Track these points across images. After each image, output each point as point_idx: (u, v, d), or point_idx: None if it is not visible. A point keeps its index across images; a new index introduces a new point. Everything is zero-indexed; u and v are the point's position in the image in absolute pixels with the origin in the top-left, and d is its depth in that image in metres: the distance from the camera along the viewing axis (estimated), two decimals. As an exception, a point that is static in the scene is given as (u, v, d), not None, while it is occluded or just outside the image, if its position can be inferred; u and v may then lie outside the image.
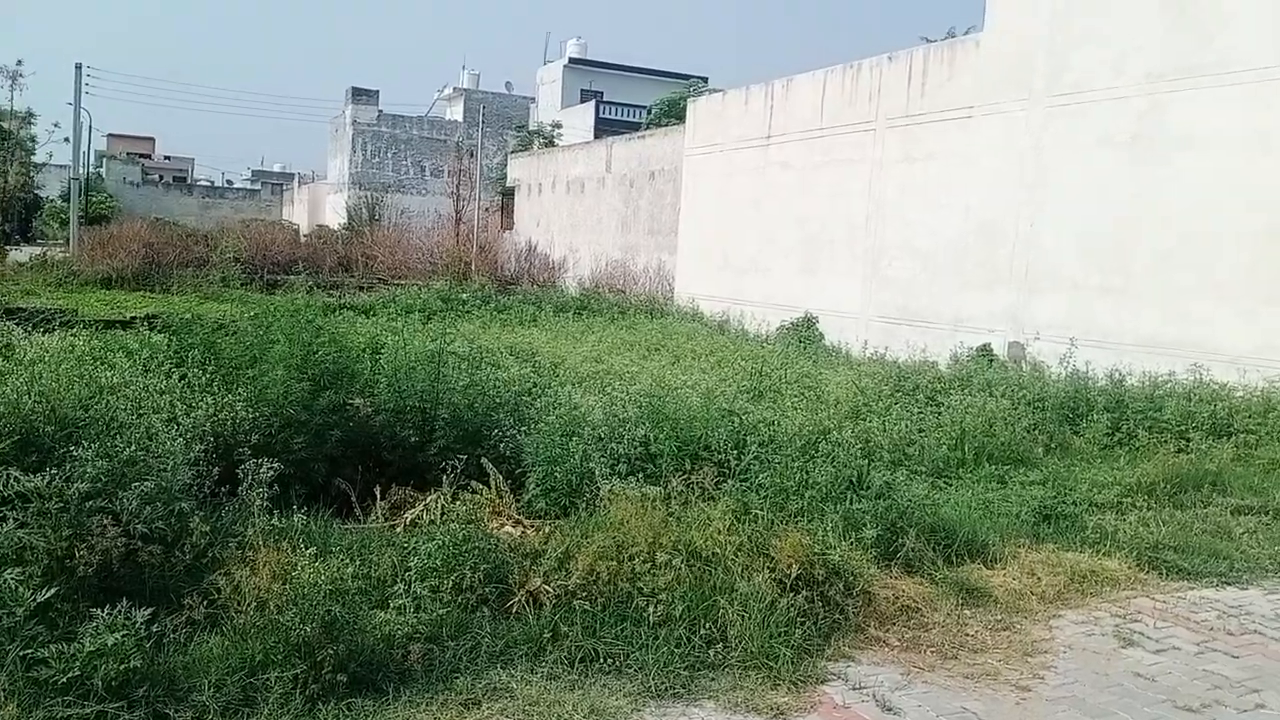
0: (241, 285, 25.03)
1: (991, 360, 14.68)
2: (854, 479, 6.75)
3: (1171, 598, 5.87)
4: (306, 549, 4.50)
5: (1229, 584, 6.18)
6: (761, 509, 5.78)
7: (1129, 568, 6.23)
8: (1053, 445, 9.68)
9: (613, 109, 48.62)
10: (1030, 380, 12.07)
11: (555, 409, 7.72)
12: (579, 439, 6.79)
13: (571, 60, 54.73)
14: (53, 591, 3.83)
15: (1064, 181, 15.07)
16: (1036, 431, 9.79)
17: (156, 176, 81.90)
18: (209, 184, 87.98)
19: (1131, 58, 14.12)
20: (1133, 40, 14.11)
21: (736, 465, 6.73)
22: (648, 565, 4.95)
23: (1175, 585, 6.09)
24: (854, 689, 4.43)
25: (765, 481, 6.31)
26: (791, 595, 4.92)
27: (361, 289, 25.45)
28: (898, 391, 11.19)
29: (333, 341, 8.01)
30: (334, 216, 52.48)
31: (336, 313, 17.78)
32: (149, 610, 3.90)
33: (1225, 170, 12.86)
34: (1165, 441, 9.67)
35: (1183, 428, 9.95)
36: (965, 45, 17.48)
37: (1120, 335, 13.82)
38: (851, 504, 6.19)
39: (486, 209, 39.57)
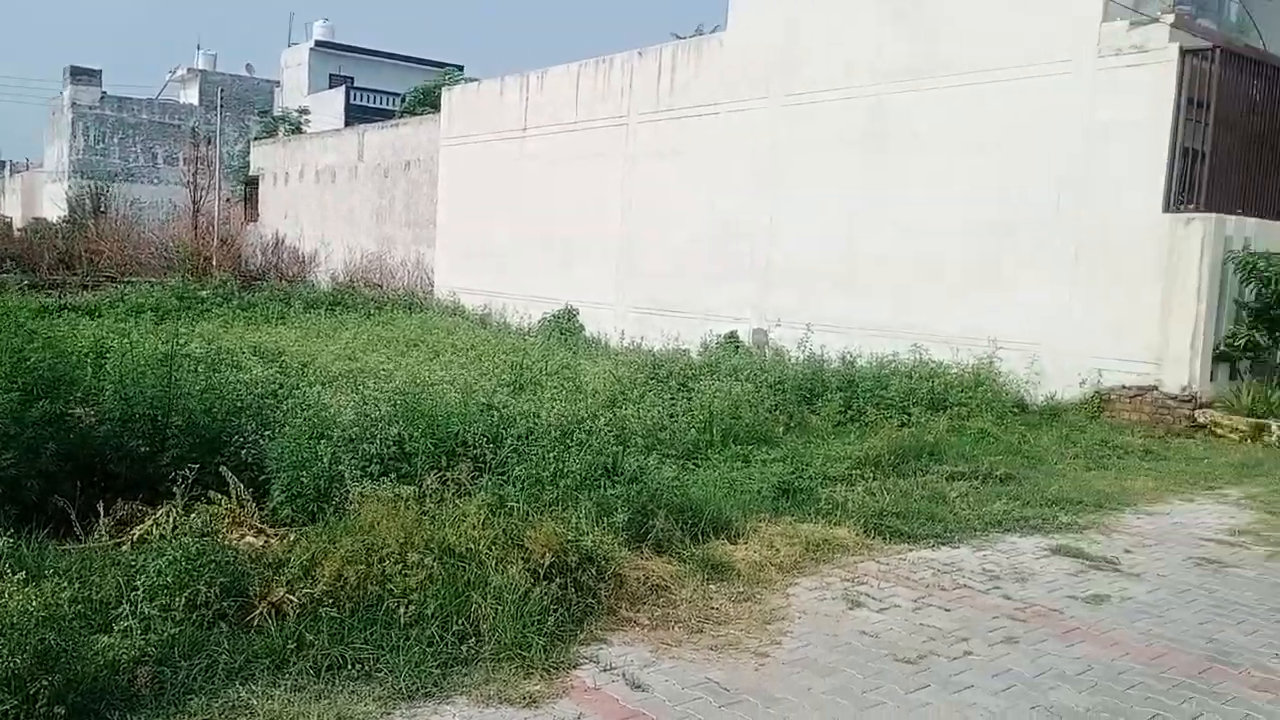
0: (-60, 285, 22.28)
1: (738, 347, 15.45)
2: (608, 465, 6.94)
3: (894, 560, 6.42)
4: (14, 574, 4.11)
5: (944, 544, 6.83)
6: (517, 501, 5.83)
7: (857, 535, 6.75)
8: (792, 424, 10.34)
9: (364, 95, 46.99)
10: (773, 365, 12.83)
11: (303, 411, 7.44)
12: (328, 441, 6.59)
13: (318, 43, 52.34)
14: None
15: (801, 178, 16.05)
16: (778, 412, 10.42)
17: None
18: (-104, 171, 77.58)
19: (859, 60, 15.21)
20: (860, 43, 15.19)
21: (493, 459, 6.75)
22: (399, 566, 4.88)
23: (898, 548, 6.66)
24: (605, 670, 4.56)
25: (521, 474, 6.37)
26: (545, 584, 4.99)
27: (86, 288, 23.34)
28: (652, 379, 11.56)
29: (48, 346, 7.32)
30: (53, 208, 47.67)
31: (56, 315, 16.24)
32: None
33: (939, 166, 14.13)
34: (890, 417, 10.54)
35: (905, 404, 10.90)
36: (711, 44, 18.21)
37: (851, 320, 14.90)
38: (605, 490, 6.36)
39: (228, 199, 37.27)
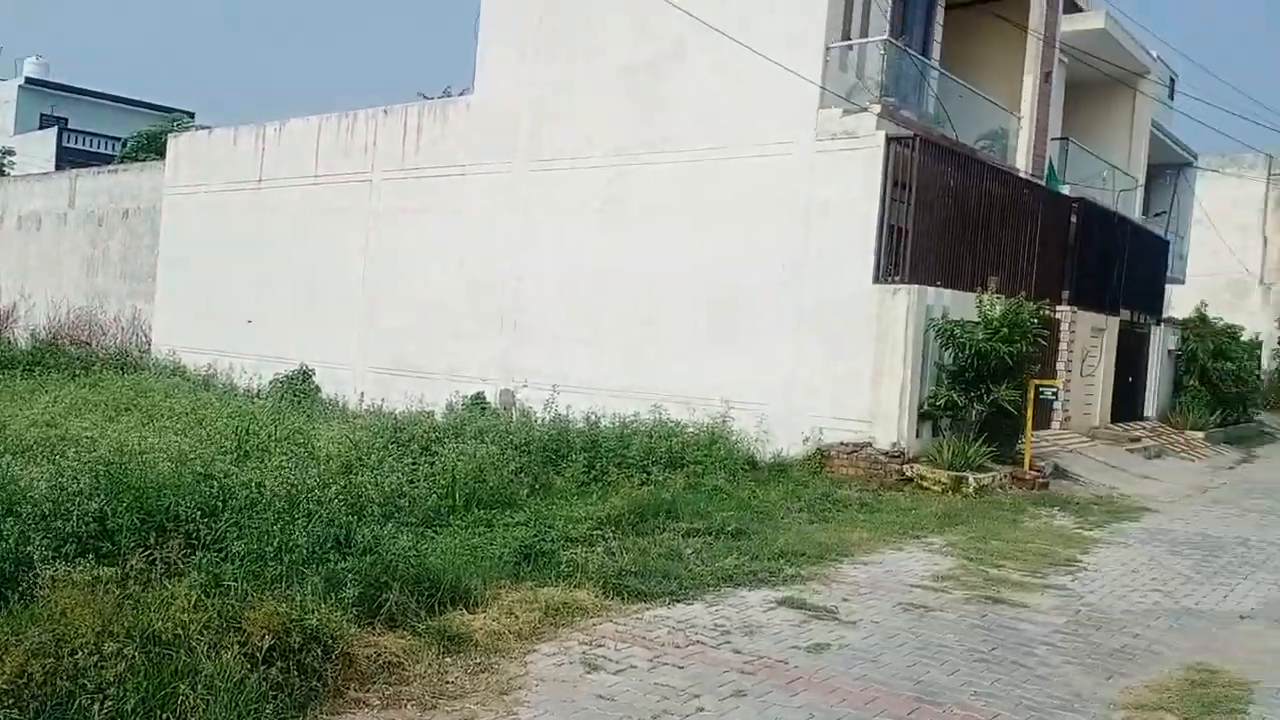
0: None
1: (484, 408, 15.33)
2: (340, 537, 6.64)
3: (631, 620, 6.50)
4: None
5: (679, 601, 7.00)
6: (235, 579, 5.44)
7: (597, 596, 6.79)
8: (537, 486, 10.33)
9: (80, 138, 43.51)
10: (519, 426, 12.81)
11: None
12: (15, 519, 5.89)
13: (29, 80, 48.00)
14: None
15: (547, 240, 16.31)
16: (523, 474, 10.39)
17: None
18: None
19: (600, 132, 15.74)
20: (601, 117, 15.75)
21: (209, 535, 6.28)
22: (94, 658, 4.40)
23: (635, 608, 6.76)
24: (330, 758, 4.31)
25: (241, 549, 5.96)
26: (264, 669, 4.66)
27: None
28: (392, 443, 11.22)
29: None
30: None
31: None
32: None
33: (675, 236, 14.81)
34: (631, 475, 10.80)
35: (645, 462, 11.20)
36: (458, 106, 18.26)
37: (595, 381, 15.20)
38: (336, 564, 6.06)
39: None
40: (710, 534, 8.83)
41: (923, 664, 6.04)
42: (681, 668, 5.72)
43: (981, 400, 12.84)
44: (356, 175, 19.45)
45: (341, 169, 19.73)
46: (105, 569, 5.38)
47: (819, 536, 9.32)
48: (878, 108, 13.49)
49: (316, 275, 19.82)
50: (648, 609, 6.78)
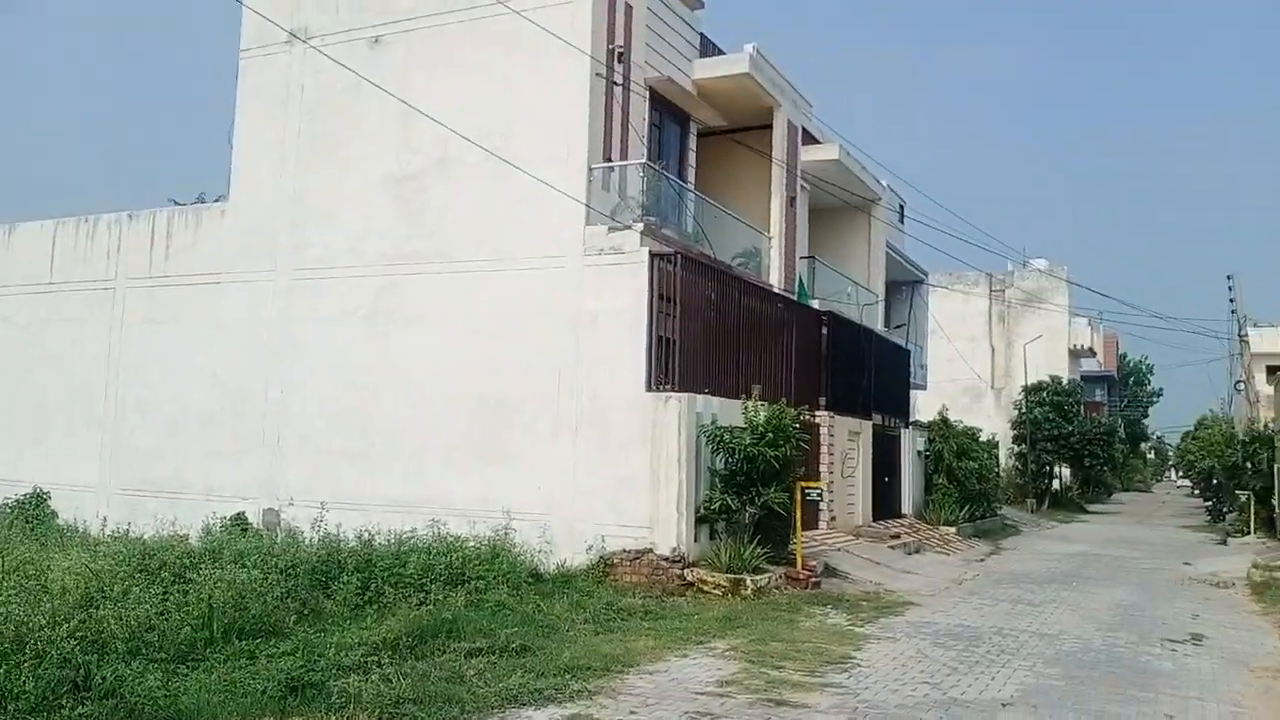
0: None
1: (245, 529, 14.32)
2: (77, 679, 5.90)
3: (411, 750, 6.10)
4: None
5: (461, 728, 6.65)
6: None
7: (372, 728, 6.35)
8: (305, 612, 9.65)
9: None
10: (284, 547, 11.96)
11: None
12: None
13: None
14: None
15: (310, 350, 15.69)
16: (289, 600, 9.69)
17: None
18: None
19: (367, 241, 15.48)
20: (367, 225, 15.50)
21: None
22: None
23: (415, 737, 6.35)
24: None
25: (-48, 703, 5.17)
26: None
27: None
28: (140, 571, 10.21)
29: None
30: None
31: None
32: None
33: (448, 346, 14.64)
34: (409, 595, 10.30)
35: (423, 580, 10.73)
36: (211, 212, 17.49)
37: (368, 496, 14.57)
38: (71, 710, 5.36)
39: None
40: (494, 652, 8.52)
41: (713, 771, 6.00)
42: (468, 798, 5.40)
43: (753, 503, 13.26)
44: (98, 282, 18.13)
45: (80, 275, 18.35)
46: None
47: (605, 648, 9.18)
48: (640, 225, 14.07)
49: (51, 389, 18.11)
50: (429, 738, 6.40)
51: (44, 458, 17.82)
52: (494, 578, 11.46)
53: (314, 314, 15.79)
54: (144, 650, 7.66)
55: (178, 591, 9.33)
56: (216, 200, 19.00)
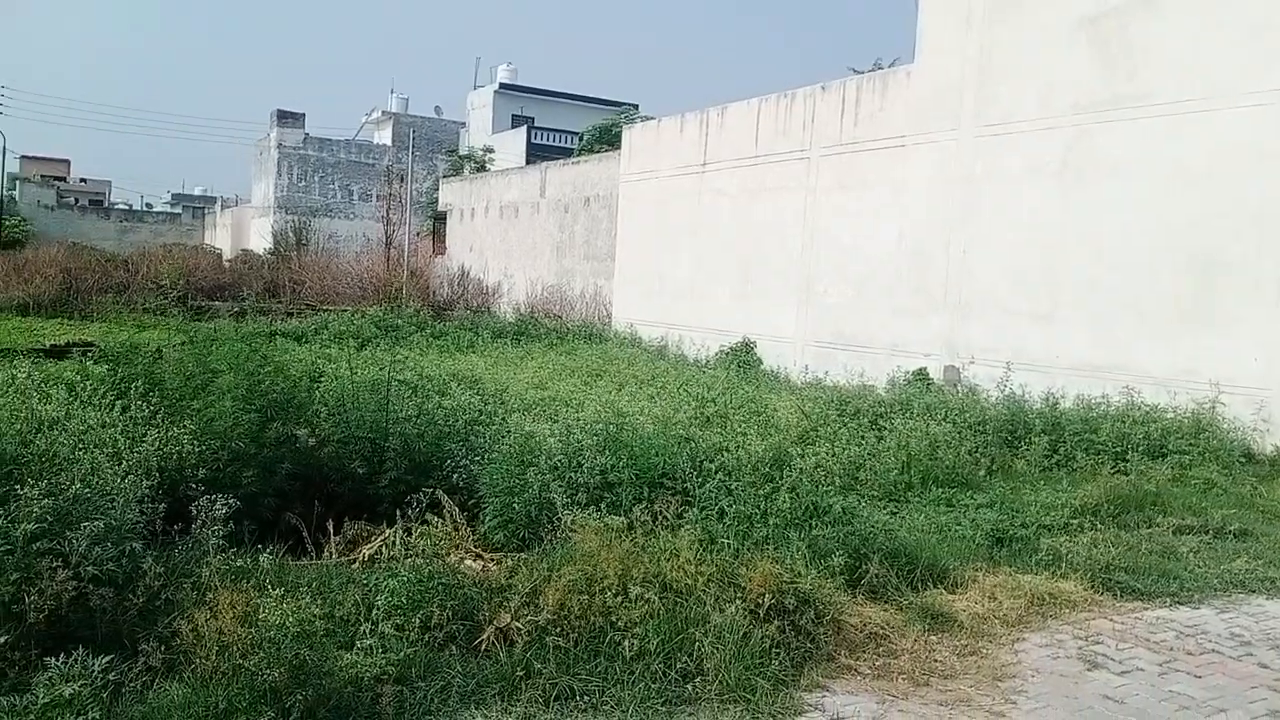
0: (161, 312, 24.25)
1: (928, 384, 14.92)
2: (813, 505, 6.75)
3: (1129, 619, 5.96)
4: (274, 589, 4.31)
5: (1181, 604, 6.30)
6: (727, 538, 5.73)
7: (1084, 589, 6.31)
8: (995, 468, 9.86)
9: (544, 134, 48.64)
10: (967, 404, 12.27)
11: (506, 438, 7.60)
12: (536, 469, 6.67)
13: (502, 85, 54.66)
14: (2, 640, 3.59)
15: (994, 209, 15.44)
16: (979, 454, 9.95)
17: (72, 199, 79.37)
18: (127, 207, 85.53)
19: (1057, 90, 14.56)
20: (1057, 73, 14.55)
21: (697, 493, 6.68)
22: (620, 599, 4.86)
23: (1130, 606, 6.19)
24: (832, 719, 4.39)
25: (728, 509, 6.26)
26: (765, 625, 4.87)
27: (290, 315, 24.87)
28: (841, 416, 11.26)
29: (278, 370, 7.78)
30: (259, 241, 51.41)
31: (268, 340, 17.35)
32: (105, 658, 3.69)
33: (1147, 199, 13.30)
34: (1103, 463, 9.90)
35: (1119, 449, 10.20)
36: (896, 76, 17.85)
37: (1052, 359, 14.15)
38: (814, 531, 6.17)
39: (418, 234, 39.14)
40: (1208, 533, 7.85)
41: None
42: (1198, 677, 5.14)
43: None
44: (794, 153, 19.76)
45: (780, 148, 20.15)
46: (612, 518, 5.91)
47: (1350, 546, 7.92)
48: None
49: (756, 252, 20.47)
50: (1146, 609, 6.17)
51: (751, 311, 20.36)
52: (1198, 453, 10.47)
53: (997, 171, 15.46)
54: (855, 487, 8.51)
55: (874, 437, 10.12)
56: (894, 64, 19.39)
